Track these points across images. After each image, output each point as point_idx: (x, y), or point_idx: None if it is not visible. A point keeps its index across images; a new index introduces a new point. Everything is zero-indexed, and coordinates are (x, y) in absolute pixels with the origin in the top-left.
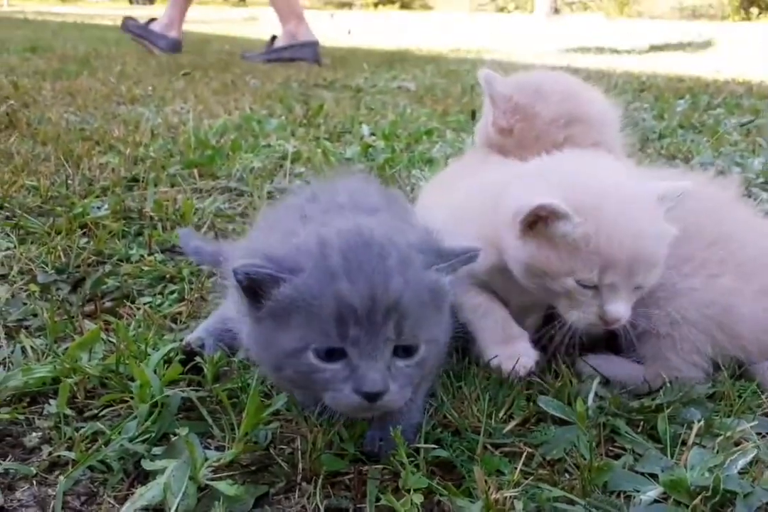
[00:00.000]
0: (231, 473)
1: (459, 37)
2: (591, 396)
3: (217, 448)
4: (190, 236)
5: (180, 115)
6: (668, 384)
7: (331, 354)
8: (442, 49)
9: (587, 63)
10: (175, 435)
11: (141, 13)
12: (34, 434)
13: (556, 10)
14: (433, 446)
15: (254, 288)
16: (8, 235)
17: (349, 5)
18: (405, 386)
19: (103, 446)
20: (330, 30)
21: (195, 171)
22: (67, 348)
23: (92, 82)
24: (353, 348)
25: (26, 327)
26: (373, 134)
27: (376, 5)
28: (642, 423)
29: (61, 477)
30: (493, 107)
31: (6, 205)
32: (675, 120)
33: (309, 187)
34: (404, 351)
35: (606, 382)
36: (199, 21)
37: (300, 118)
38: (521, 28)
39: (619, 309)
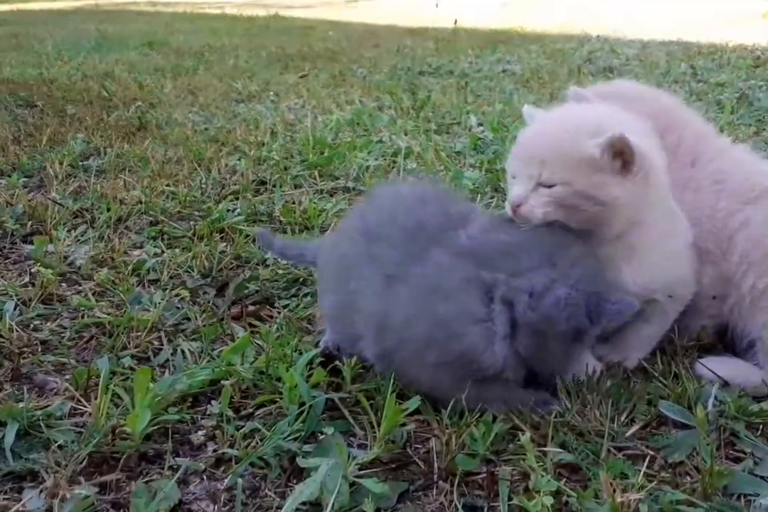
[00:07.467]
0: (374, 470)
1: (562, 10)
2: (711, 400)
3: (359, 446)
4: (268, 236)
5: (295, 111)
6: None
7: None
8: (547, 25)
9: (698, 36)
10: (322, 433)
11: None
12: (199, 432)
13: None
14: (558, 450)
15: None
16: (154, 240)
17: None
18: None
19: (260, 443)
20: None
21: (315, 171)
22: (220, 351)
23: (209, 78)
24: None
25: (182, 331)
26: (480, 124)
27: None
28: (762, 426)
29: (234, 476)
30: None
31: (150, 211)
32: None
33: None
34: None
35: (725, 385)
36: (303, 5)
37: (408, 110)
38: None
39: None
